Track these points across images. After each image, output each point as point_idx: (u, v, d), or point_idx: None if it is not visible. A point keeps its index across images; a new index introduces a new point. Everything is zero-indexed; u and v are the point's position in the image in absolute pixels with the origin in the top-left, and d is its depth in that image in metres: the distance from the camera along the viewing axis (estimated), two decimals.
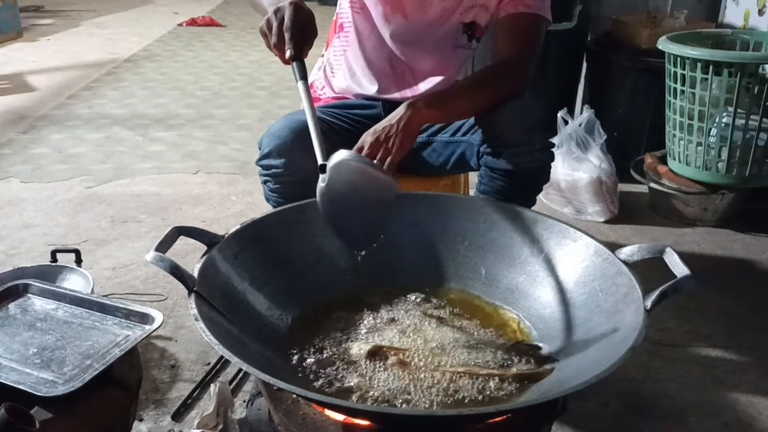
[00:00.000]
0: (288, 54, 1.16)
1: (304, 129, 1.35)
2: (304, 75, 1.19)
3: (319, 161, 1.10)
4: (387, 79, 1.57)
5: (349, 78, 1.62)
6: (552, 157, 1.39)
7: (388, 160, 1.27)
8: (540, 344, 1.08)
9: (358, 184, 1.12)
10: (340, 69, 1.63)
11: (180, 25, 6.05)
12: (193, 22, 6.09)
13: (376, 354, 1.05)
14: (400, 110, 1.32)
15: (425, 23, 1.49)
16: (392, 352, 1.04)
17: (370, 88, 1.59)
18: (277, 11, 1.18)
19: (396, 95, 1.56)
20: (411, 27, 1.50)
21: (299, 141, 1.34)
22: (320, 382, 1.01)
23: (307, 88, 1.18)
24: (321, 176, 1.10)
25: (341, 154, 1.10)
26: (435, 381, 1.00)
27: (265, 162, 1.38)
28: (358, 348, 1.06)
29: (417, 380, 1.00)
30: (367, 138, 1.29)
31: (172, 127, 3.35)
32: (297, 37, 1.17)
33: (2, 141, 3.09)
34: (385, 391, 0.98)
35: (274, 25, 1.17)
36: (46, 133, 3.21)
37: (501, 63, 1.44)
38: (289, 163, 1.34)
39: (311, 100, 1.17)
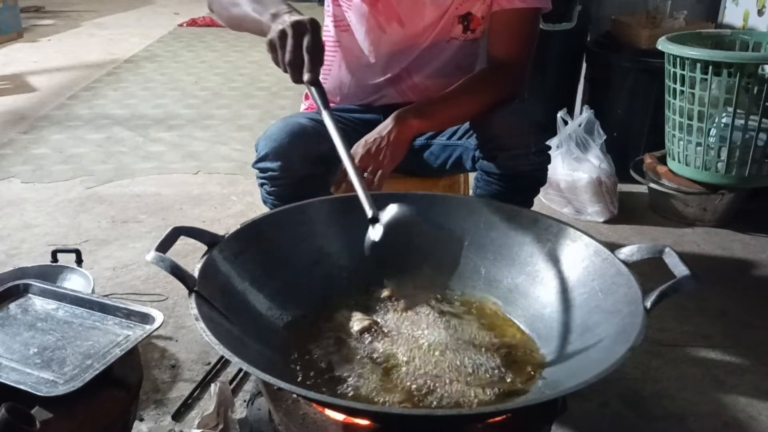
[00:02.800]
0: (308, 77, 1.09)
1: (300, 131, 1.36)
2: (327, 102, 1.10)
3: (369, 213, 0.99)
4: (383, 88, 1.55)
5: (341, 97, 1.59)
6: (548, 160, 1.38)
7: (380, 173, 1.28)
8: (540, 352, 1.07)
9: (421, 243, 1.01)
10: (329, 85, 1.60)
11: (180, 25, 6.05)
12: (193, 23, 6.10)
13: (368, 330, 1.08)
14: (390, 121, 1.33)
15: (422, 26, 1.46)
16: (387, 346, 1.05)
17: (366, 101, 1.57)
18: (296, 26, 1.08)
19: (396, 96, 1.54)
20: (408, 32, 1.47)
21: (295, 144, 1.34)
22: (320, 381, 1.01)
23: (335, 122, 1.07)
24: (371, 227, 0.99)
25: (400, 212, 0.99)
26: (435, 382, 1.00)
27: (261, 165, 1.38)
28: (357, 323, 1.09)
29: (418, 380, 1.00)
30: (357, 150, 1.30)
31: (173, 127, 3.35)
32: (316, 59, 1.09)
33: (3, 141, 3.10)
34: (385, 391, 0.98)
35: (290, 42, 1.08)
36: (47, 134, 3.21)
37: (496, 66, 1.42)
38: (285, 166, 1.34)
39: (343, 138, 1.06)
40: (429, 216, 1.02)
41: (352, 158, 1.05)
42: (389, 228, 0.98)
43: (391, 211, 0.99)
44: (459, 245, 1.07)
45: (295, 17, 1.11)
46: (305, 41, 1.08)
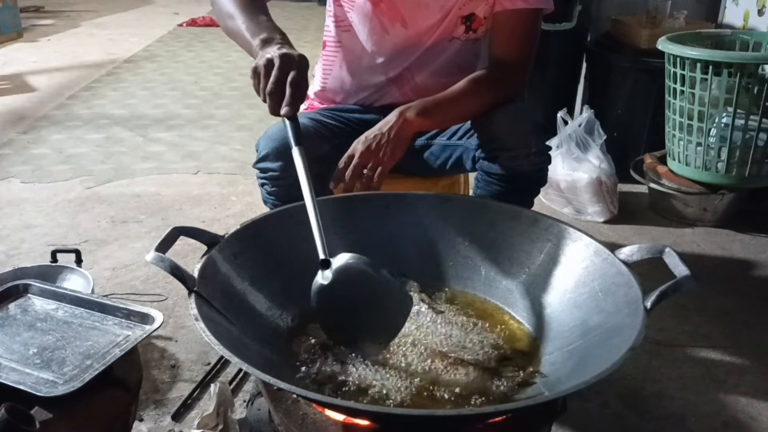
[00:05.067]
0: (285, 111, 1.07)
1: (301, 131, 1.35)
2: (299, 138, 1.07)
3: (321, 256, 0.98)
4: (384, 88, 1.55)
5: (343, 96, 1.59)
6: (549, 160, 1.38)
7: (379, 169, 1.28)
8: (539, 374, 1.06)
9: (368, 296, 0.99)
10: (330, 84, 1.60)
11: (180, 25, 6.06)
12: (193, 23, 6.10)
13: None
14: (391, 118, 1.32)
15: (426, 26, 1.46)
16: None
17: (367, 100, 1.57)
18: (284, 58, 1.08)
19: (397, 96, 1.54)
20: (411, 33, 1.47)
21: None
22: (320, 381, 1.01)
23: (305, 159, 1.05)
24: (321, 272, 0.99)
25: (353, 259, 0.99)
26: (435, 382, 1.00)
27: (262, 165, 1.38)
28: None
29: (417, 380, 1.00)
30: (357, 146, 1.30)
31: (173, 127, 3.35)
32: (297, 95, 1.08)
33: (2, 141, 3.09)
34: (386, 392, 0.98)
35: (275, 73, 1.07)
36: (47, 134, 3.21)
37: (497, 66, 1.42)
38: (286, 166, 1.33)
39: (309, 177, 1.04)
40: (380, 268, 1.00)
41: (314, 202, 1.03)
42: (339, 274, 0.98)
43: (343, 258, 0.99)
44: (409, 301, 1.04)
45: (285, 50, 1.11)
46: (291, 75, 1.08)
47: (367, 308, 1.01)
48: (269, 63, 1.09)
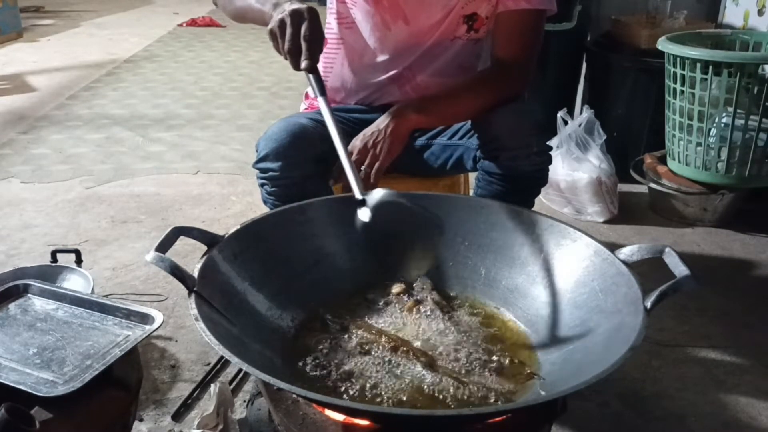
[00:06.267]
0: (305, 65, 1.14)
1: (300, 132, 1.36)
2: (323, 89, 1.15)
3: (357, 196, 1.03)
4: (385, 86, 1.55)
5: (344, 95, 1.59)
6: (549, 160, 1.39)
7: (376, 165, 1.29)
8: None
9: (405, 223, 1.08)
10: (330, 82, 1.60)
11: (180, 25, 6.06)
12: (193, 23, 6.10)
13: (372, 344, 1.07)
14: (388, 115, 1.34)
15: (428, 25, 1.46)
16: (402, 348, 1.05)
17: (367, 99, 1.57)
18: (294, 15, 1.14)
19: (398, 95, 1.54)
20: (413, 31, 1.47)
21: (296, 144, 1.34)
22: (320, 382, 1.01)
23: (330, 107, 1.13)
24: (360, 211, 1.02)
25: (385, 194, 1.04)
26: (435, 381, 1.00)
27: (262, 165, 1.38)
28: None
29: (417, 380, 1.00)
30: (356, 143, 1.32)
31: (173, 127, 3.35)
32: (314, 47, 1.14)
33: (2, 141, 3.10)
34: (386, 392, 0.98)
35: (289, 30, 1.13)
36: (47, 134, 3.21)
37: (499, 66, 1.42)
38: (286, 166, 1.34)
39: (335, 119, 1.11)
40: (412, 200, 1.09)
41: (345, 142, 1.10)
42: (376, 210, 1.03)
43: (377, 194, 1.04)
44: (440, 228, 1.18)
45: (295, 6, 1.16)
46: (303, 29, 1.14)
47: (406, 237, 1.10)
48: (281, 23, 1.15)
